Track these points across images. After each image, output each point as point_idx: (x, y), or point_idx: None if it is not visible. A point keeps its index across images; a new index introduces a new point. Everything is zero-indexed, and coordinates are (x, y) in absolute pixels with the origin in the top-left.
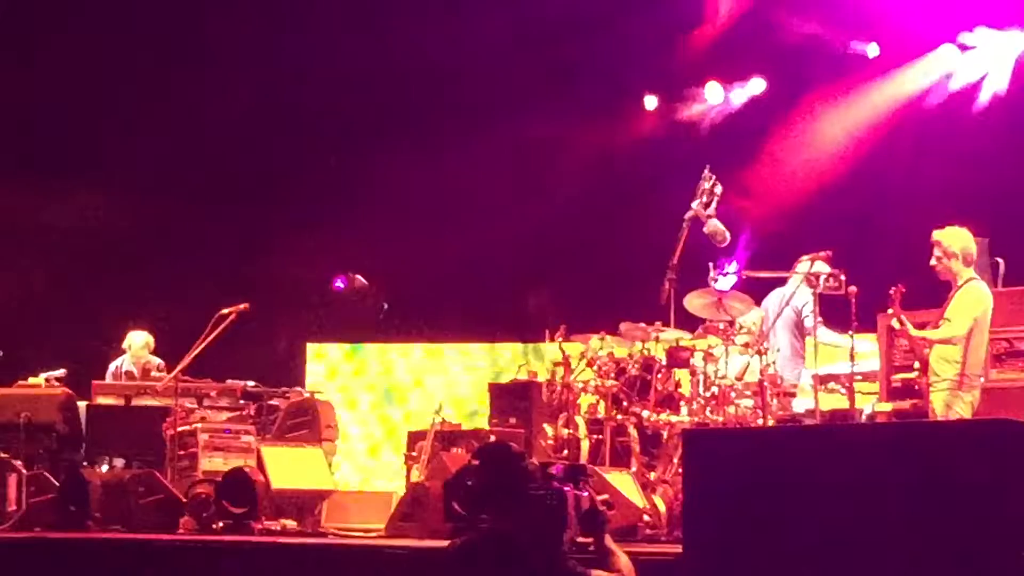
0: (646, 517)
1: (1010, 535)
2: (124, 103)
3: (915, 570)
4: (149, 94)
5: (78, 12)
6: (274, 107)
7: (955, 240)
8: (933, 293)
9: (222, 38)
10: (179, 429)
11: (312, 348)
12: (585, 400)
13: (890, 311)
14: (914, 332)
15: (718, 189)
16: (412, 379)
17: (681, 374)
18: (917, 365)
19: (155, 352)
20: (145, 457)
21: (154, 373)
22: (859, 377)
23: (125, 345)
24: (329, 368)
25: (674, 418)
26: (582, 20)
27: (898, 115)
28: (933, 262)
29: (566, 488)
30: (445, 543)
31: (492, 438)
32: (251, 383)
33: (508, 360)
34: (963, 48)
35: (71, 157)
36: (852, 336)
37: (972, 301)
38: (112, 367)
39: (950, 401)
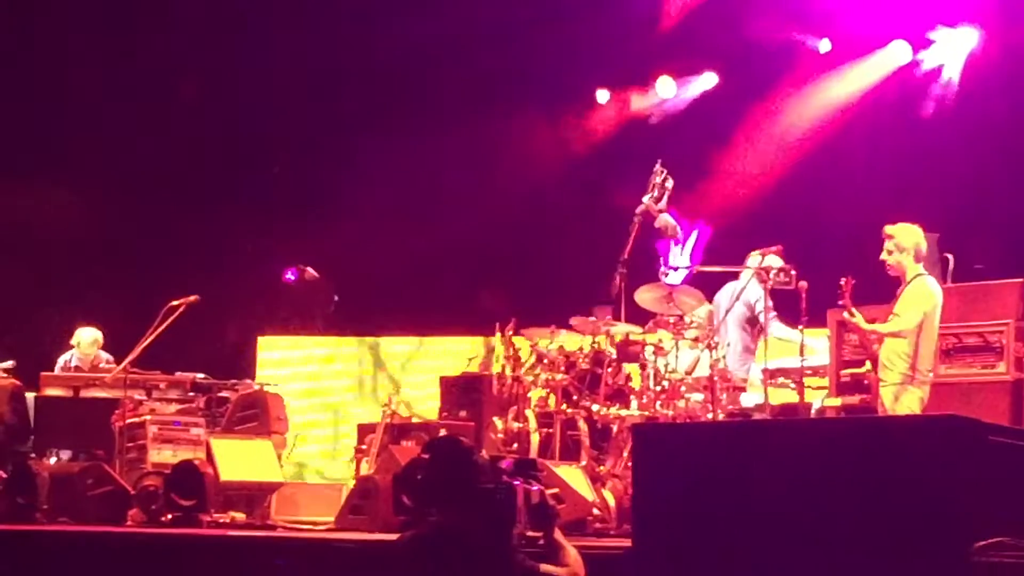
0: (596, 511)
1: (959, 529)
2: (81, 99)
3: (865, 565)
4: (106, 91)
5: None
6: (228, 102)
7: (908, 236)
8: (883, 288)
9: (182, 41)
10: (128, 421)
11: (262, 340)
12: (535, 394)
13: (840, 303)
14: (864, 325)
15: (669, 183)
16: (364, 370)
17: (631, 368)
18: (868, 365)
19: (105, 346)
20: (94, 449)
21: (103, 365)
22: (809, 372)
23: (73, 341)
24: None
25: (624, 412)
26: (533, 15)
27: (849, 111)
28: (884, 256)
29: (515, 482)
30: (394, 536)
31: (442, 431)
32: (200, 375)
33: (459, 353)
34: (914, 44)
35: (25, 151)
36: (802, 331)
37: (922, 296)
38: (60, 361)
39: (900, 395)
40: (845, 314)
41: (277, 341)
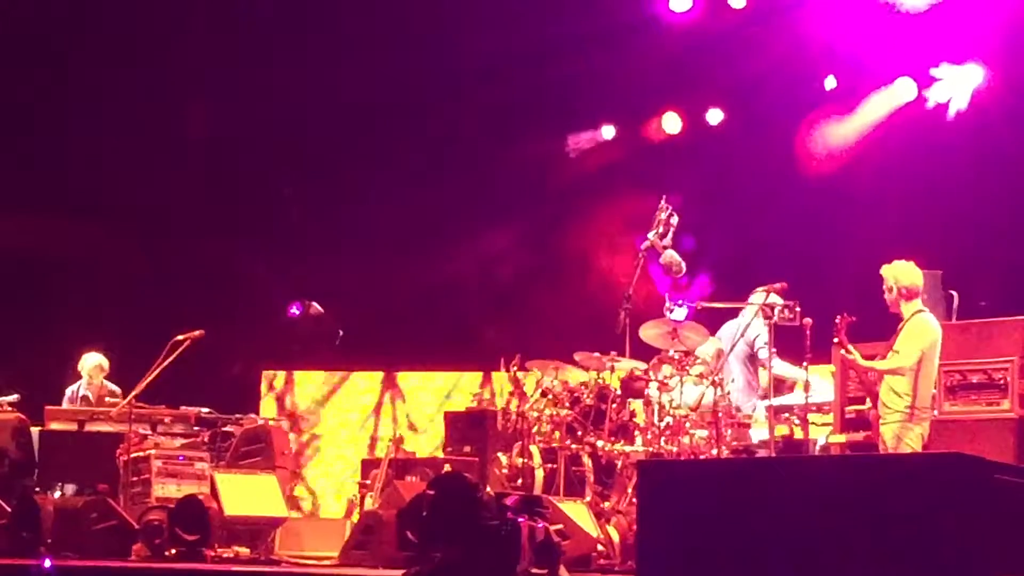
0: (600, 547)
1: (965, 568)
2: (85, 131)
3: None
4: (111, 122)
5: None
6: (233, 135)
7: (892, 274)
8: (887, 325)
9: (184, 71)
10: (132, 455)
11: (267, 375)
12: (540, 429)
13: (836, 340)
14: (862, 362)
15: (674, 220)
16: (367, 406)
17: (636, 404)
18: (869, 403)
19: (110, 377)
20: (98, 483)
21: (108, 399)
22: (813, 408)
23: (80, 367)
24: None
25: (628, 448)
26: (540, 52)
27: (855, 147)
28: (885, 295)
29: (520, 519)
30: (399, 572)
31: (447, 467)
32: (205, 410)
33: (464, 389)
34: (920, 82)
35: (28, 181)
36: (807, 367)
37: (920, 333)
38: (69, 392)
39: (900, 433)
40: (842, 351)
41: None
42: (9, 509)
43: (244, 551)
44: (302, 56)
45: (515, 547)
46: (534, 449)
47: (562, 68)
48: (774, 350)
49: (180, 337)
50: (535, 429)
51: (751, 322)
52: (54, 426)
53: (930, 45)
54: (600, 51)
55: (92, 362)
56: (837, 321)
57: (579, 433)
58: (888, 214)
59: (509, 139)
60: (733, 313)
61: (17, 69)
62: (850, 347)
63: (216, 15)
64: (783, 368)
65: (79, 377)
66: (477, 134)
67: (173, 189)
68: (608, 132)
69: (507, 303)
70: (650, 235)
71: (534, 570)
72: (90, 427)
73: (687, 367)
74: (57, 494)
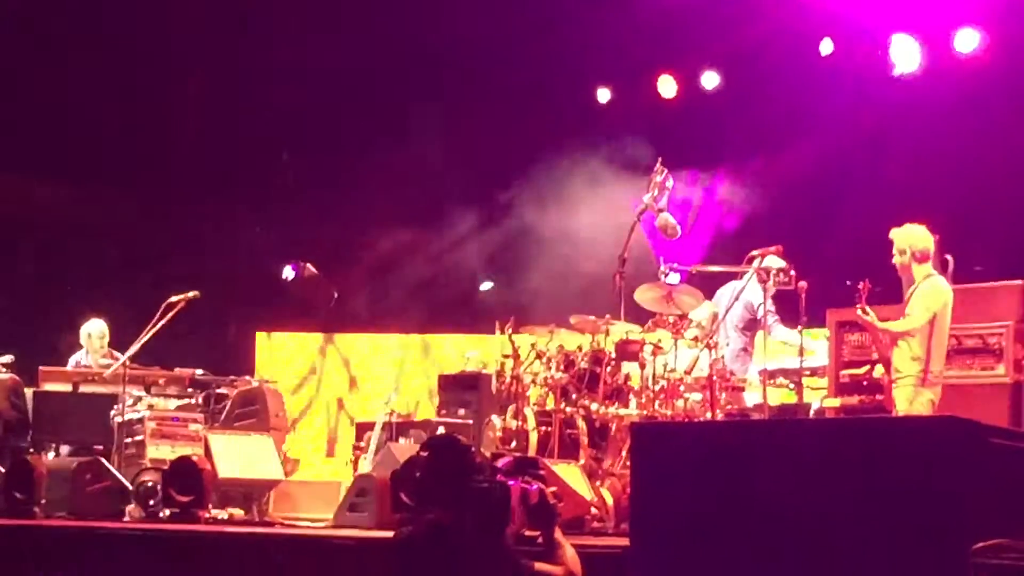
0: (594, 510)
1: (959, 531)
2: (83, 99)
3: (864, 566)
4: (108, 84)
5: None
6: (228, 99)
7: (903, 239)
8: (886, 289)
9: (182, 37)
10: (127, 417)
11: (262, 336)
12: (534, 392)
13: (858, 308)
14: (878, 323)
15: (669, 183)
16: (360, 369)
17: (630, 367)
18: (880, 369)
19: (112, 342)
20: (92, 444)
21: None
22: (808, 372)
23: (82, 334)
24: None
25: (623, 411)
26: (535, 13)
27: (850, 111)
28: (894, 260)
29: (511, 481)
30: (392, 534)
31: (441, 429)
32: (199, 371)
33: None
34: (917, 46)
35: (26, 146)
36: (801, 331)
37: (933, 295)
38: (72, 361)
39: (912, 398)
40: (859, 310)
41: (276, 337)
42: (3, 470)
43: (238, 513)
44: (301, 19)
45: (505, 509)
46: (528, 412)
47: (559, 30)
48: (776, 317)
49: (174, 298)
50: (529, 392)
51: (746, 286)
52: (48, 387)
53: (928, 10)
54: (595, 13)
55: (95, 330)
56: (859, 287)
57: (573, 396)
58: (884, 178)
59: (505, 102)
60: (728, 277)
61: (14, 35)
62: (867, 308)
63: None
64: (784, 334)
65: (79, 342)
66: (472, 98)
67: (169, 149)
68: (604, 95)
69: (502, 265)
70: (645, 198)
71: (527, 532)
72: (84, 388)
73: (682, 330)
74: (51, 455)
